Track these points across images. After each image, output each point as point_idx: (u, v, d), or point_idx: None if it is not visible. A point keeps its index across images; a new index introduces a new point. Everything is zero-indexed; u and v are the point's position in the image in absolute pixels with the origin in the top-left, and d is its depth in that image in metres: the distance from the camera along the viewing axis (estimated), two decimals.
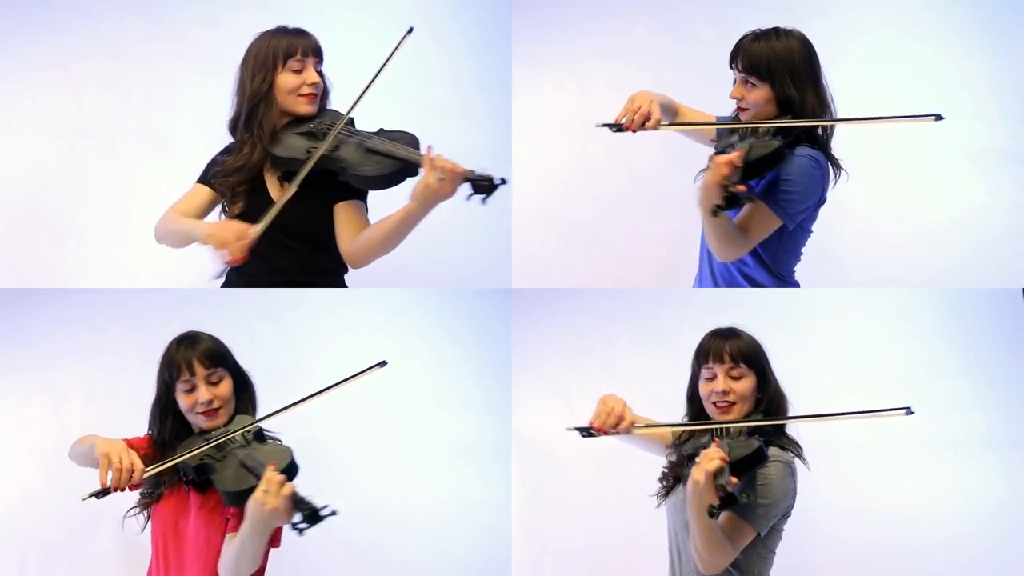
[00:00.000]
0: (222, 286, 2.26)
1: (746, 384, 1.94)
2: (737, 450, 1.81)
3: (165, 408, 1.93)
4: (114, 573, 2.66)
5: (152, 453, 1.91)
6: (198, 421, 1.91)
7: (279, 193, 2.12)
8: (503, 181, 1.90)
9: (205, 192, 2.17)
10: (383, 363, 2.03)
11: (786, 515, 1.92)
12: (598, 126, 2.13)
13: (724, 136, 2.14)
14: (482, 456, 2.75)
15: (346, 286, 2.25)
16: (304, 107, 2.12)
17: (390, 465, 2.76)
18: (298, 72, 2.10)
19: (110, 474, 1.79)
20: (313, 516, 1.65)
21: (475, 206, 1.92)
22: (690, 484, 1.77)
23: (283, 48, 2.10)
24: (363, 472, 2.74)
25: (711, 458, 1.74)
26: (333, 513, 1.66)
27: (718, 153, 2.03)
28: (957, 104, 2.92)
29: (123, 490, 1.82)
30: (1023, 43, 3.00)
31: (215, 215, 2.20)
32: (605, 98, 3.02)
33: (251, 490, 1.72)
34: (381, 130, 2.12)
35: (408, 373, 2.78)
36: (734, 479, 1.73)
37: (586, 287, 2.92)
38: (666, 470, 2.03)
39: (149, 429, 1.96)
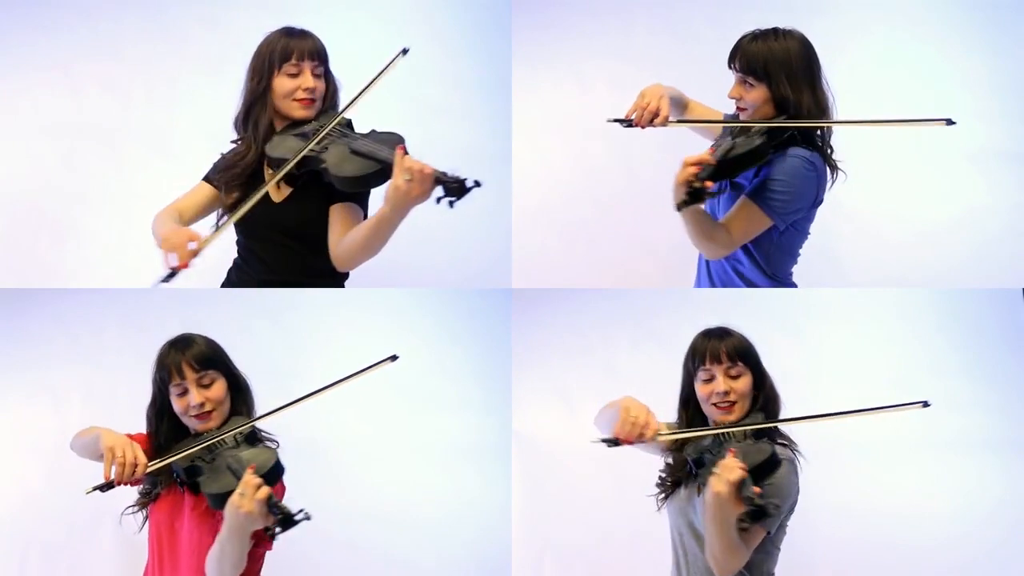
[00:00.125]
0: (222, 286, 2.26)
1: (745, 382, 1.94)
2: (752, 456, 1.80)
3: (160, 410, 1.93)
4: (114, 573, 2.66)
5: (149, 452, 1.90)
6: (191, 424, 1.91)
7: (277, 193, 2.12)
8: (477, 184, 1.82)
9: (207, 189, 2.18)
10: (394, 357, 2.02)
11: (791, 511, 1.92)
12: (609, 121, 2.13)
13: (723, 134, 2.15)
14: (482, 456, 2.75)
15: (344, 287, 2.25)
16: (299, 112, 2.11)
17: (390, 465, 2.76)
18: (294, 76, 2.09)
19: (113, 468, 1.79)
20: (286, 520, 1.65)
21: (475, 206, 1.90)
22: (711, 495, 1.74)
23: (279, 51, 2.10)
24: (363, 472, 2.74)
25: (732, 468, 1.72)
26: (307, 518, 1.66)
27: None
28: (957, 104, 2.93)
29: (126, 484, 1.82)
30: (1023, 43, 3.00)
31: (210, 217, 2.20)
32: (605, 98, 3.02)
33: (231, 493, 1.72)
34: (373, 131, 2.12)
35: (408, 373, 2.77)
36: (757, 488, 1.72)
37: (586, 287, 2.92)
38: (664, 474, 2.02)
39: (147, 431, 1.97)
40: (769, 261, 2.17)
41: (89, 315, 2.80)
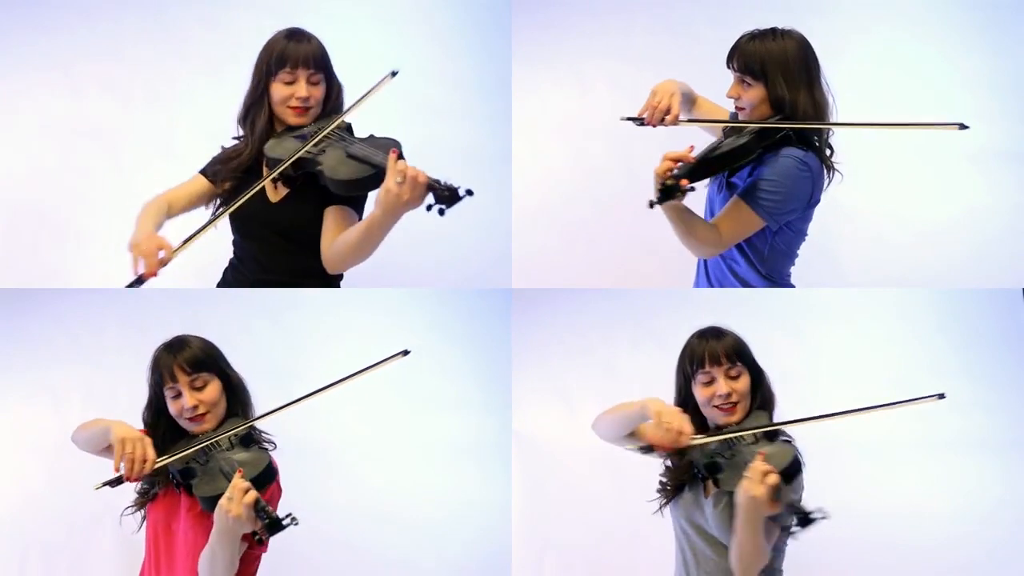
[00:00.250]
0: (218, 285, 2.26)
1: (744, 382, 1.94)
2: (777, 459, 1.79)
3: (156, 412, 1.93)
4: (114, 573, 2.66)
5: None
6: (188, 426, 1.91)
7: (274, 194, 2.13)
8: (469, 193, 1.81)
9: (202, 182, 2.18)
10: (406, 352, 2.02)
11: None
12: (622, 119, 2.13)
13: (723, 134, 2.15)
14: (482, 456, 2.75)
15: (339, 287, 2.25)
16: (292, 119, 2.11)
17: (390, 465, 2.76)
18: (289, 84, 2.09)
19: (123, 462, 1.78)
20: (272, 525, 1.66)
21: (475, 206, 1.89)
22: (746, 499, 1.73)
23: (276, 57, 2.09)
24: (363, 472, 2.74)
25: (765, 472, 1.71)
26: (294, 522, 1.67)
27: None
28: (957, 104, 2.93)
29: (134, 480, 1.81)
30: (1023, 43, 3.00)
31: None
32: (605, 98, 3.03)
33: (220, 496, 1.73)
34: (371, 136, 2.12)
35: (408, 373, 2.78)
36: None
37: (586, 287, 2.92)
38: (665, 478, 2.01)
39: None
40: (764, 261, 2.16)
41: (89, 315, 2.80)
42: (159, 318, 2.65)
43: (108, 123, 2.93)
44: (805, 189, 2.07)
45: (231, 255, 2.26)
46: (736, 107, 2.12)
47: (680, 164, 1.96)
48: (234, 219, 2.16)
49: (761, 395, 1.96)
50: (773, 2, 2.53)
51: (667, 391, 2.04)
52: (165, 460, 1.83)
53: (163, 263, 1.96)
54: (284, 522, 1.66)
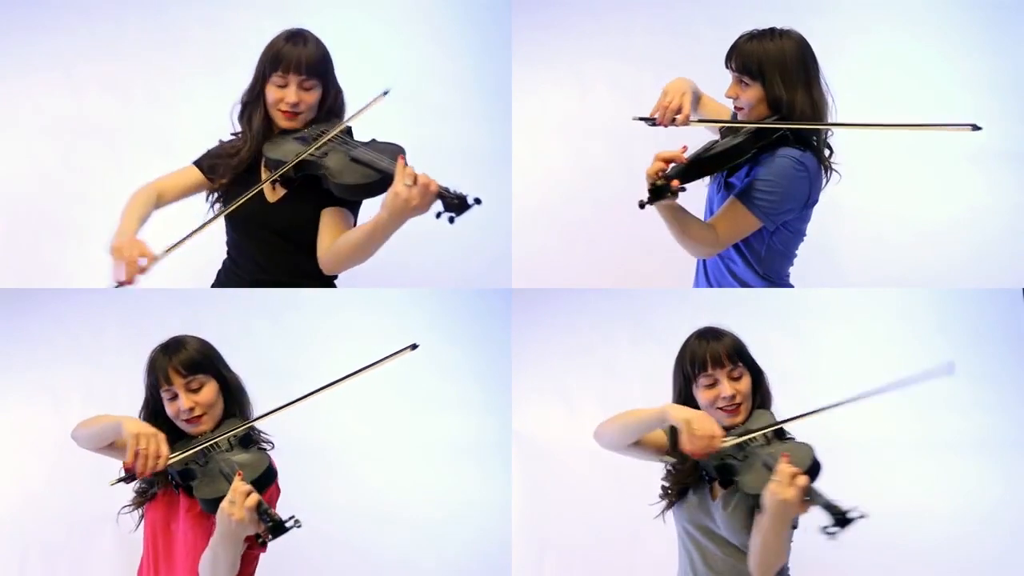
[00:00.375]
0: (212, 286, 2.26)
1: (746, 382, 1.93)
2: (799, 459, 1.79)
3: (153, 414, 1.93)
4: (113, 572, 2.66)
5: None
6: (185, 428, 1.90)
7: (272, 194, 2.13)
8: (477, 201, 1.83)
9: (195, 174, 2.17)
10: (414, 346, 2.02)
11: None
12: (634, 119, 2.12)
13: (720, 133, 2.15)
14: (482, 456, 2.75)
15: (334, 286, 2.25)
16: (282, 122, 2.11)
17: (390, 465, 2.76)
18: (280, 87, 2.09)
19: (137, 458, 1.77)
20: (276, 528, 1.66)
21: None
22: (776, 502, 1.71)
23: (271, 59, 2.09)
24: (363, 472, 2.74)
25: (793, 474, 1.70)
26: (297, 525, 1.67)
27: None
28: (957, 104, 2.93)
29: (147, 476, 1.80)
30: (1023, 43, 3.00)
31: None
32: (605, 98, 3.03)
33: (222, 499, 1.72)
34: (373, 140, 2.12)
35: (408, 373, 2.78)
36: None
37: (586, 287, 2.92)
38: (667, 482, 2.00)
39: None
40: (761, 261, 2.16)
41: (89, 315, 2.80)
42: (159, 318, 2.65)
43: (108, 123, 2.93)
44: (802, 189, 2.07)
45: (223, 256, 2.26)
46: (734, 107, 2.12)
47: (672, 164, 1.96)
48: (232, 219, 2.16)
49: (761, 394, 1.96)
50: (773, 2, 2.53)
51: (666, 391, 2.04)
52: (177, 456, 1.83)
53: (143, 271, 1.95)
54: (287, 524, 1.66)
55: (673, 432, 1.95)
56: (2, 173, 2.91)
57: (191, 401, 1.88)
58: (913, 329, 2.86)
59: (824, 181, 2.12)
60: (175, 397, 1.89)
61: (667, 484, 2.00)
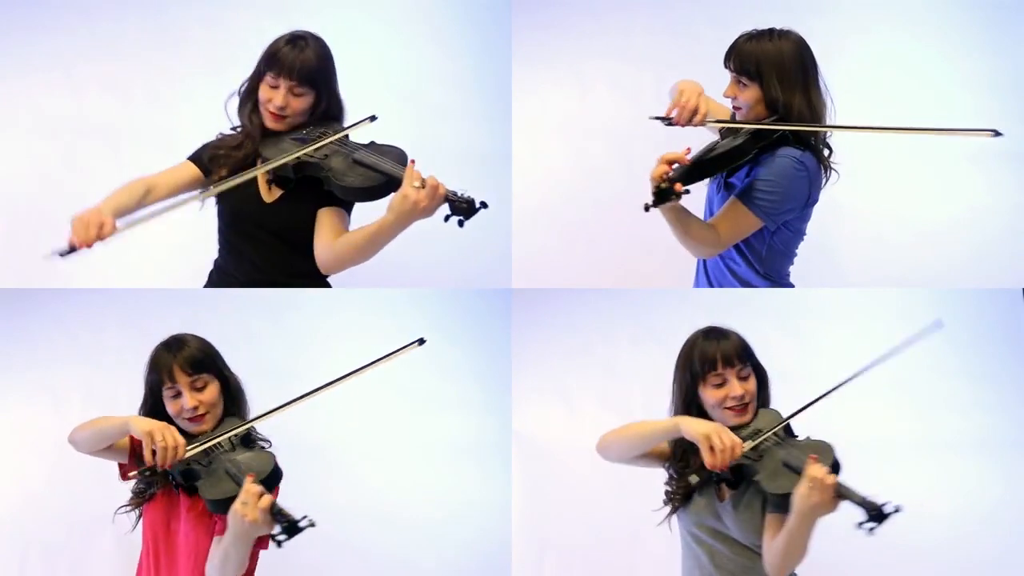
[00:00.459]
0: (205, 286, 2.26)
1: (753, 382, 1.93)
2: (828, 456, 1.80)
3: (152, 412, 1.92)
4: (113, 573, 2.66)
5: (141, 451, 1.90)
6: (184, 427, 1.90)
7: (268, 194, 2.13)
8: (484, 205, 1.88)
9: (190, 169, 2.15)
10: (421, 340, 2.03)
11: None
12: (651, 119, 2.12)
13: (720, 134, 2.15)
14: (482, 456, 2.75)
15: (329, 286, 2.25)
16: (268, 121, 2.11)
17: (390, 465, 2.76)
18: (272, 88, 2.08)
19: (155, 453, 1.76)
20: (291, 528, 1.65)
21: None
22: (808, 506, 1.70)
23: (267, 59, 2.09)
24: (363, 472, 2.74)
25: (825, 474, 1.70)
26: (311, 524, 1.66)
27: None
28: (957, 104, 2.93)
29: (168, 468, 1.80)
30: (1023, 43, 3.00)
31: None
32: (605, 98, 3.03)
33: (231, 499, 1.72)
34: (372, 143, 2.12)
35: (408, 373, 2.78)
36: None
37: (586, 287, 2.92)
38: (671, 486, 1.98)
39: None
40: (762, 261, 2.16)
41: (89, 315, 2.80)
42: (159, 318, 2.65)
43: (109, 123, 2.93)
44: (802, 189, 2.07)
45: (215, 256, 2.25)
46: (732, 106, 2.12)
47: (675, 166, 1.96)
48: (228, 218, 2.16)
49: (765, 394, 1.96)
50: (773, 2, 2.53)
51: (666, 391, 2.04)
52: (194, 448, 1.82)
53: (100, 237, 1.91)
54: (301, 524, 1.66)
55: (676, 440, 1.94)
56: (2, 173, 2.91)
57: (195, 400, 1.88)
58: (913, 329, 2.86)
59: (824, 181, 2.12)
60: (178, 395, 1.89)
61: (671, 489, 1.99)
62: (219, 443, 1.87)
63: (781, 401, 1.99)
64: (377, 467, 2.75)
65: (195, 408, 1.88)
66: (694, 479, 1.90)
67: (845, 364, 2.79)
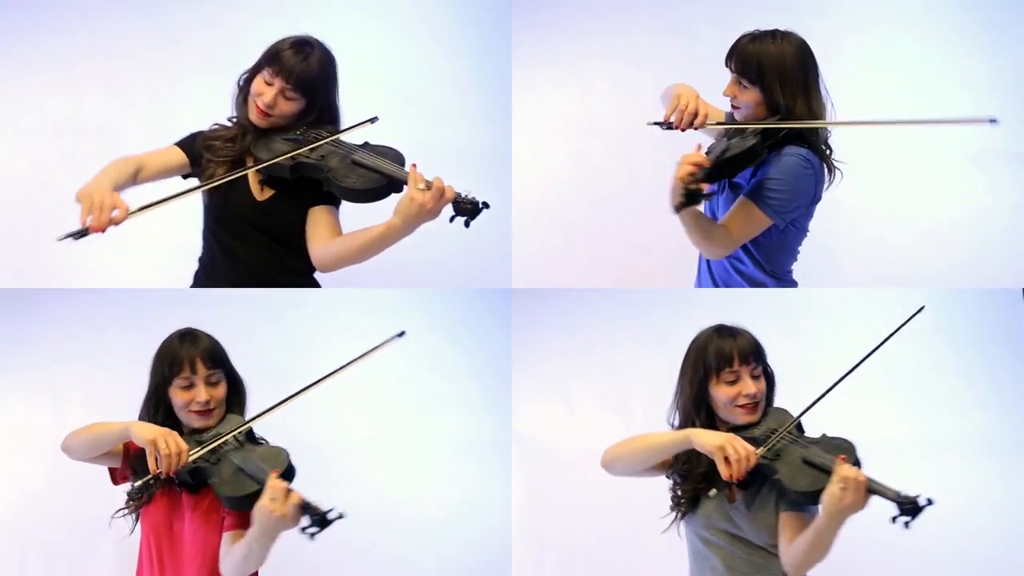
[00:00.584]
0: (192, 286, 2.26)
1: (763, 382, 1.93)
2: (854, 454, 1.80)
3: (157, 403, 1.92)
4: (113, 573, 2.66)
5: (138, 451, 1.89)
6: (189, 420, 1.90)
7: (261, 194, 2.13)
8: (486, 205, 1.92)
9: (178, 155, 2.14)
10: (401, 333, 2.03)
11: None
12: (649, 124, 2.13)
13: (720, 135, 2.14)
14: (482, 456, 2.75)
15: (319, 285, 2.26)
16: (253, 115, 2.10)
17: (390, 465, 2.76)
18: (267, 84, 2.08)
19: (159, 460, 1.76)
20: (322, 521, 1.66)
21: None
22: (840, 507, 1.70)
23: (268, 57, 2.09)
24: (363, 472, 2.74)
25: (857, 471, 1.70)
26: (340, 516, 1.67)
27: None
28: (957, 104, 2.93)
29: (173, 475, 1.80)
30: (1023, 43, 3.00)
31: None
32: (605, 98, 3.03)
33: (252, 495, 1.73)
34: (367, 143, 2.12)
35: (408, 373, 2.78)
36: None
37: (586, 287, 2.92)
38: (678, 490, 1.97)
39: None
40: (770, 259, 2.17)
41: (89, 315, 2.80)
42: (159, 318, 2.64)
43: (109, 123, 2.93)
44: (810, 186, 2.08)
45: (199, 255, 2.25)
46: (732, 105, 2.13)
47: (700, 168, 1.95)
48: (218, 216, 2.16)
49: (772, 395, 1.97)
50: (773, 2, 2.54)
51: (667, 391, 2.03)
52: (197, 452, 1.82)
53: (114, 222, 1.88)
54: (330, 516, 1.67)
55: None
56: (2, 173, 2.91)
57: (208, 394, 1.89)
58: (913, 329, 2.86)
59: (830, 180, 2.13)
60: (190, 387, 1.89)
61: (679, 494, 1.97)
62: (226, 440, 1.87)
63: (780, 400, 1.99)
64: (377, 467, 2.75)
65: (207, 402, 1.89)
66: (714, 493, 1.89)
67: (845, 364, 2.80)
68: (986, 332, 2.84)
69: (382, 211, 2.01)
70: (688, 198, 1.93)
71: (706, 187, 1.94)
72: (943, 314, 2.86)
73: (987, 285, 2.86)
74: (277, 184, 2.11)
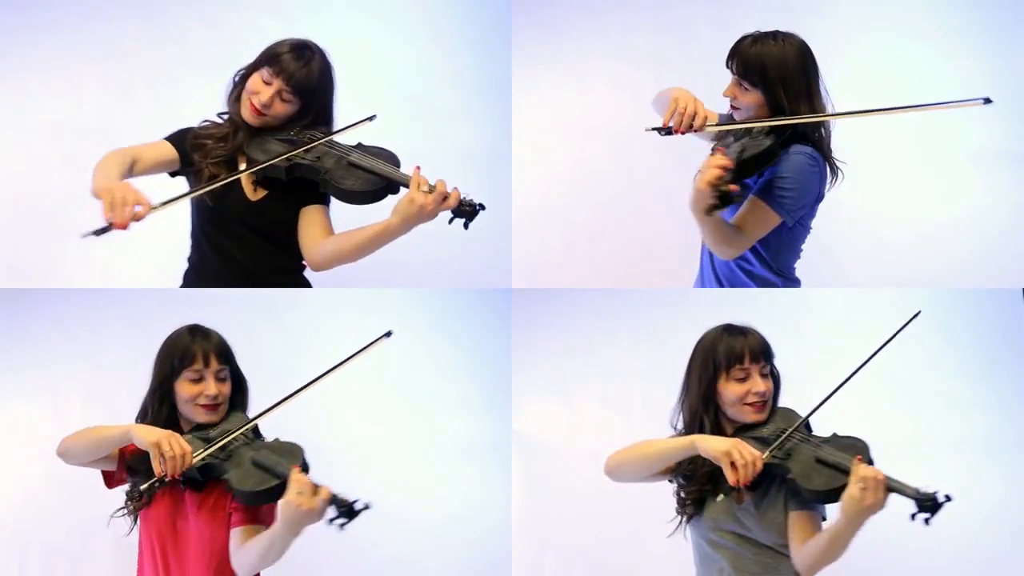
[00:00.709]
0: (182, 286, 2.26)
1: (771, 381, 1.94)
2: (865, 454, 1.81)
3: (163, 397, 1.91)
4: (113, 573, 2.66)
5: (135, 453, 1.89)
6: (195, 414, 1.90)
7: (254, 194, 2.13)
8: (482, 207, 1.95)
9: (169, 150, 2.13)
10: (388, 333, 2.05)
11: None
12: (647, 130, 2.12)
13: (722, 136, 2.14)
14: (482, 456, 2.75)
15: (310, 284, 2.26)
16: (245, 111, 2.10)
17: (390, 465, 2.75)
18: (265, 83, 2.08)
19: (164, 463, 1.77)
20: (349, 512, 1.67)
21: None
22: (862, 508, 1.71)
23: (268, 58, 2.09)
24: (363, 472, 2.72)
25: (876, 470, 1.71)
26: (366, 507, 1.68)
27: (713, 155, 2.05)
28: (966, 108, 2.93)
29: (177, 477, 1.80)
30: (1023, 43, 3.00)
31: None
32: (605, 98, 3.03)
33: (272, 489, 1.75)
34: (360, 144, 2.12)
35: (408, 373, 2.78)
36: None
37: (586, 287, 2.92)
38: (683, 493, 1.97)
39: (137, 421, 1.94)
40: (777, 258, 2.18)
41: (89, 315, 2.80)
42: (159, 318, 2.64)
43: (109, 123, 2.93)
44: (816, 183, 2.09)
45: (189, 256, 2.25)
46: (731, 106, 2.13)
47: (727, 170, 1.95)
48: (212, 216, 2.15)
49: (777, 396, 1.97)
50: (773, 2, 2.53)
51: (667, 391, 2.03)
52: (202, 453, 1.82)
53: (137, 218, 1.85)
54: (357, 507, 1.68)
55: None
56: (2, 173, 2.90)
57: (217, 389, 1.90)
58: (913, 329, 2.86)
59: (831, 180, 2.13)
60: (200, 380, 1.89)
61: (683, 497, 1.97)
62: (236, 437, 1.87)
63: (780, 399, 1.99)
64: (377, 467, 2.75)
65: (216, 396, 1.89)
66: (721, 498, 1.90)
67: (845, 364, 2.80)
68: (986, 332, 2.84)
69: (374, 210, 2.03)
70: (721, 200, 1.94)
71: (735, 188, 1.94)
72: (943, 314, 2.86)
73: (987, 285, 2.86)
74: (271, 184, 2.12)
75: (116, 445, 1.86)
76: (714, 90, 2.20)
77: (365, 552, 2.69)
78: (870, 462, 1.80)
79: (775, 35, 2.07)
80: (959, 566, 2.68)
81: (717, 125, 2.13)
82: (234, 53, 2.16)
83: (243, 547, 1.80)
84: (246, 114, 2.10)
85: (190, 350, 1.90)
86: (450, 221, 1.95)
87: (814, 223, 2.20)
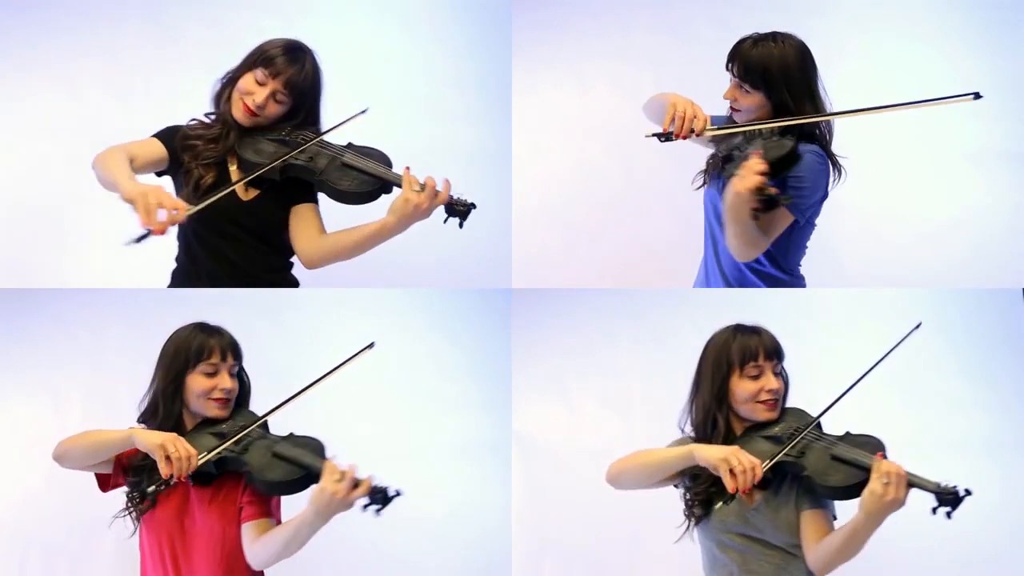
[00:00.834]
0: (169, 286, 2.26)
1: (782, 380, 1.95)
2: (884, 452, 1.81)
3: (174, 393, 1.91)
4: (113, 573, 2.66)
5: (133, 456, 1.89)
6: (207, 408, 1.90)
7: (245, 193, 2.13)
8: (473, 205, 1.99)
9: (160, 149, 2.12)
10: (371, 345, 2.06)
11: None
12: (647, 136, 2.12)
13: (726, 138, 2.13)
14: (482, 456, 2.75)
15: (298, 282, 2.27)
16: (237, 111, 2.10)
17: (390, 465, 2.74)
18: (259, 84, 2.08)
19: (170, 464, 1.77)
20: (384, 498, 1.74)
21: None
22: (883, 505, 1.71)
23: (262, 58, 2.08)
24: (363, 472, 2.73)
25: (898, 465, 1.73)
26: (398, 493, 1.77)
27: (724, 156, 2.07)
28: (957, 104, 2.92)
29: (183, 479, 1.80)
30: (1023, 43, 3.00)
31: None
32: (605, 98, 3.03)
33: (299, 480, 1.80)
34: (350, 144, 2.13)
35: (407, 373, 2.78)
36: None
37: (586, 287, 2.92)
38: (688, 496, 1.97)
39: (141, 419, 1.95)
40: (787, 257, 2.19)
41: (89, 315, 2.80)
42: (159, 318, 2.64)
43: (108, 123, 2.92)
44: (825, 181, 2.10)
45: (176, 256, 2.25)
46: (731, 108, 2.13)
47: (765, 174, 1.95)
48: (205, 216, 2.14)
49: (786, 396, 1.98)
50: (773, 2, 2.53)
51: (666, 391, 2.04)
52: (207, 457, 1.82)
53: (174, 222, 1.84)
54: (390, 493, 1.76)
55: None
56: (2, 173, 2.90)
57: (232, 383, 1.92)
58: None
59: (835, 177, 2.14)
60: (215, 374, 1.90)
61: (689, 499, 1.97)
62: (252, 430, 1.89)
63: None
64: (377, 467, 2.73)
65: (230, 390, 1.91)
66: (719, 506, 1.89)
67: (845, 364, 2.80)
68: (986, 332, 2.84)
69: (363, 209, 2.03)
70: (767, 204, 1.96)
71: (776, 191, 1.95)
72: (943, 314, 2.86)
73: (987, 285, 2.86)
74: (262, 184, 2.12)
75: (118, 450, 1.86)
76: (714, 91, 2.20)
77: (365, 552, 2.69)
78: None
79: (774, 36, 2.07)
80: (959, 566, 2.68)
81: (717, 128, 2.13)
82: (234, 53, 2.16)
83: (261, 539, 1.81)
84: (238, 114, 2.10)
85: (207, 344, 1.91)
86: (444, 221, 1.98)
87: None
